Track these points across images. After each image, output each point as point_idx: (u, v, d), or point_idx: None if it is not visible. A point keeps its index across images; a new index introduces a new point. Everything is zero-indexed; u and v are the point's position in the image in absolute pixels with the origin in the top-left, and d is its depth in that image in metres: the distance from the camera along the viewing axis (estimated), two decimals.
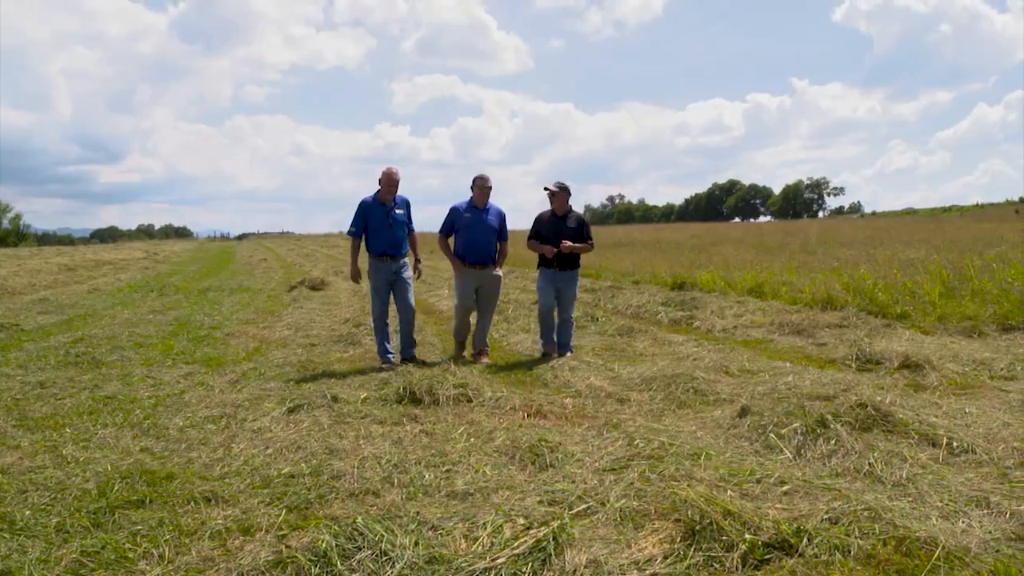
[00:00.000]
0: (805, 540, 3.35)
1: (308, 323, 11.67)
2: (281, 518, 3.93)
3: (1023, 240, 20.03)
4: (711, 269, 16.32)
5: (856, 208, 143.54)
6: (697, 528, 3.47)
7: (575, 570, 3.18)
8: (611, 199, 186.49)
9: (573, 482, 4.28)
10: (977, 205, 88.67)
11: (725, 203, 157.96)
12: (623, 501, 3.93)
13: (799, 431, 4.91)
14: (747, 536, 3.37)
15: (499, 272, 8.62)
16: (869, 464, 4.40)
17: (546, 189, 8.49)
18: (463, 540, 3.47)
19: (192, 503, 4.18)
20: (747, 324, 10.45)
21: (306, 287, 17.03)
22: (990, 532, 3.51)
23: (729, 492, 3.95)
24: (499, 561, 3.24)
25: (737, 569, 3.24)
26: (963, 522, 3.63)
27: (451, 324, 11.06)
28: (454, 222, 8.43)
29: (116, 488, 4.39)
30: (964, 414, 5.39)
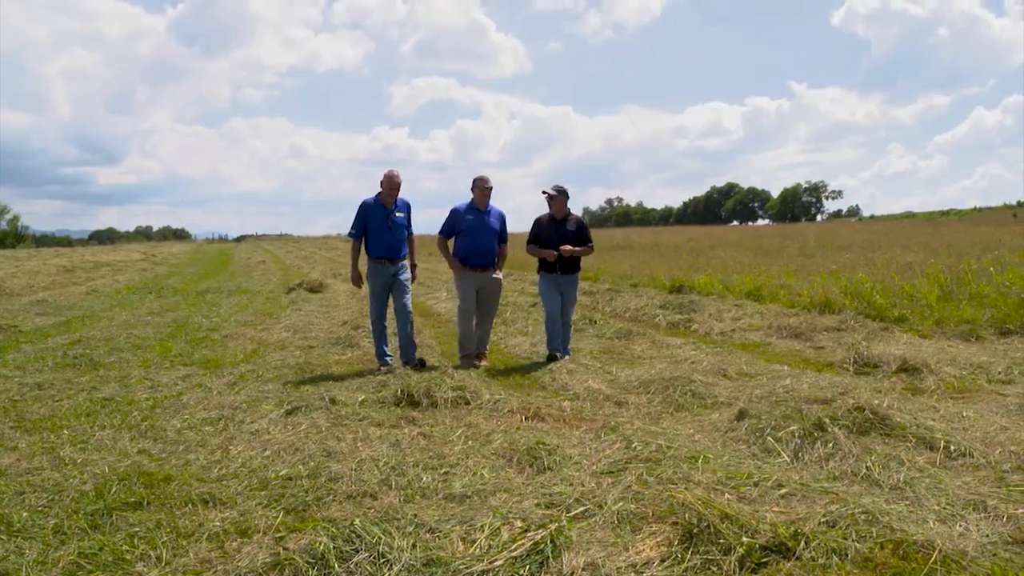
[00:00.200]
0: (802, 543, 3.35)
1: (306, 325, 11.67)
2: (279, 520, 3.93)
3: (1021, 244, 20.06)
4: (709, 272, 16.33)
5: (854, 212, 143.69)
6: (695, 531, 3.47)
7: (572, 573, 3.18)
8: (609, 202, 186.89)
9: (571, 485, 4.28)
10: (975, 209, 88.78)
11: (723, 206, 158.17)
12: (621, 504, 3.93)
13: (797, 434, 4.91)
14: (744, 539, 3.37)
15: (500, 275, 8.55)
16: (866, 467, 4.40)
17: (544, 193, 8.44)
18: (461, 542, 3.47)
19: (190, 505, 4.18)
20: (745, 327, 10.45)
21: (304, 289, 17.03)
22: (987, 536, 3.52)
23: (727, 495, 3.95)
24: (497, 564, 3.24)
25: (735, 572, 3.23)
26: (960, 526, 3.63)
27: (449, 327, 11.07)
28: (455, 224, 8.34)
29: (114, 490, 4.39)
30: (961, 418, 5.39)
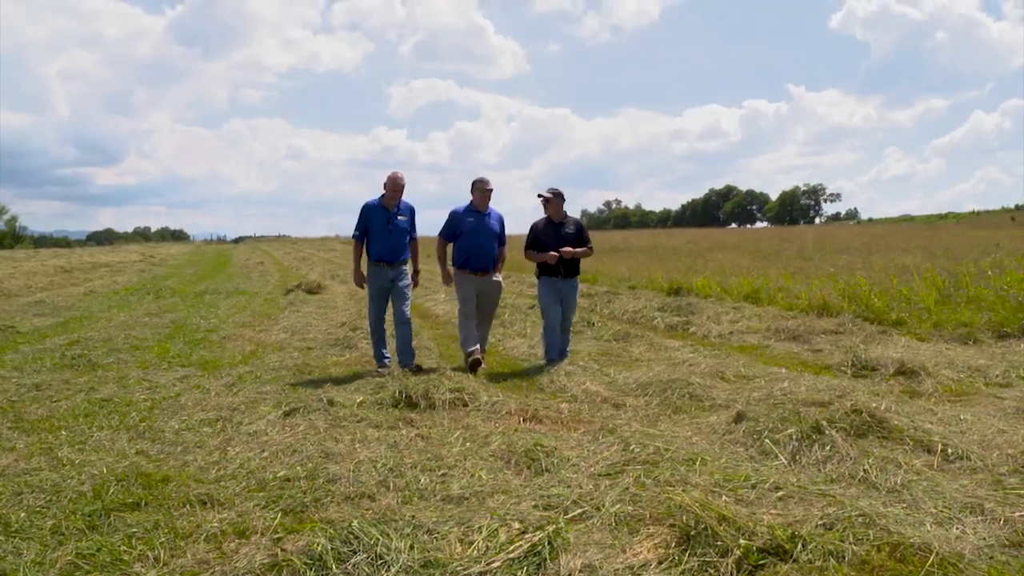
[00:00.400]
0: (800, 546, 3.35)
1: (304, 327, 11.67)
2: (276, 521, 3.94)
3: (1018, 247, 20.08)
4: (707, 275, 16.34)
5: (852, 214, 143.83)
6: (692, 533, 3.47)
7: (570, 574, 3.19)
8: (608, 204, 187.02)
9: (568, 487, 4.29)
10: (973, 212, 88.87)
11: (722, 209, 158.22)
12: (618, 506, 3.93)
13: (794, 437, 4.92)
14: (742, 541, 3.37)
15: (500, 278, 8.47)
16: (864, 470, 4.40)
17: (540, 196, 8.35)
18: (458, 544, 3.47)
19: (187, 506, 4.18)
20: (743, 330, 10.46)
21: (302, 291, 17.03)
22: (984, 539, 3.52)
23: (724, 497, 3.95)
24: (494, 565, 3.24)
25: (732, 574, 3.23)
26: (957, 528, 3.64)
27: (447, 328, 11.08)
28: (456, 226, 8.23)
29: (111, 491, 4.39)
30: (959, 421, 5.40)
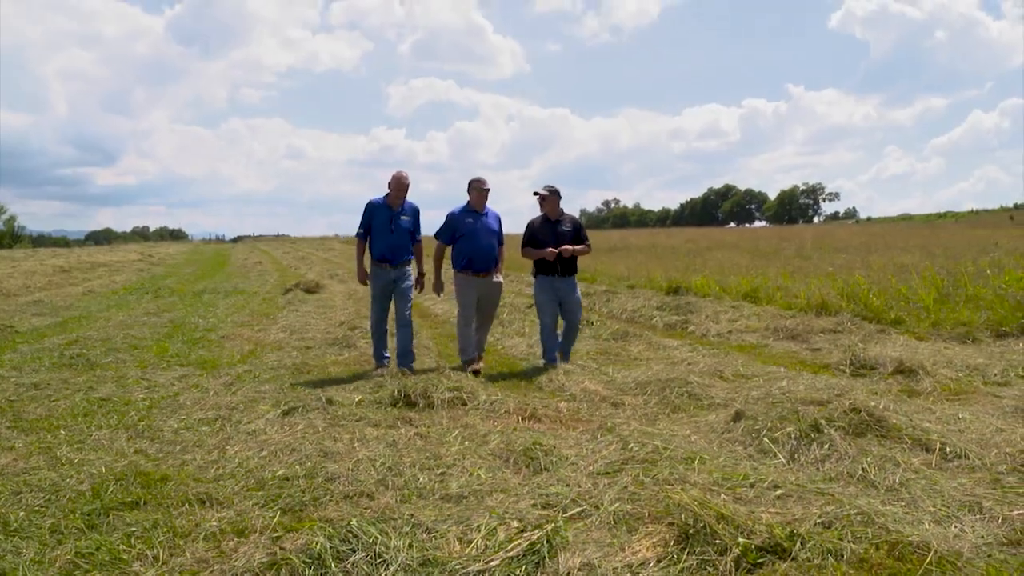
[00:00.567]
0: (798, 544, 3.36)
1: (303, 326, 11.67)
2: (275, 520, 3.94)
3: (1017, 247, 20.09)
4: (706, 274, 16.34)
5: (851, 214, 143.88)
6: (691, 532, 3.48)
7: (568, 573, 3.19)
8: (607, 203, 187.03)
9: (567, 485, 4.29)
10: (972, 211, 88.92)
11: (721, 208, 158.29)
12: (617, 504, 3.93)
13: (793, 436, 4.92)
14: (740, 540, 3.38)
15: (500, 279, 8.35)
16: (862, 469, 4.41)
17: (536, 194, 8.23)
18: (457, 543, 3.47)
19: (186, 505, 4.18)
20: (742, 329, 10.46)
21: (301, 290, 17.02)
22: (982, 537, 3.53)
23: (723, 496, 3.95)
24: (493, 564, 3.25)
25: (730, 573, 3.24)
26: (955, 527, 3.64)
27: (446, 328, 11.08)
28: (455, 229, 8.07)
29: (110, 490, 4.39)
30: (957, 420, 5.41)
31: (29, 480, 4.60)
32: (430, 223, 8.24)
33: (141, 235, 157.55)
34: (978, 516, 3.77)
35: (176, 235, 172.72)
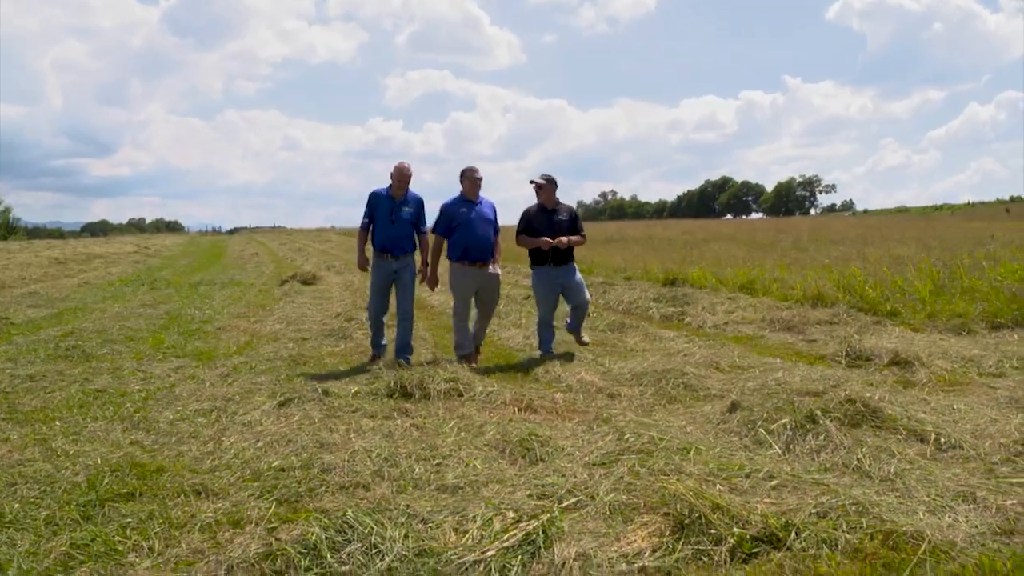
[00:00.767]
0: (793, 534, 3.37)
1: (299, 317, 11.66)
2: (271, 511, 3.94)
3: (1013, 239, 20.12)
4: (703, 265, 16.34)
5: (848, 206, 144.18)
6: (686, 522, 3.49)
7: (564, 563, 3.19)
8: (604, 195, 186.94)
9: (563, 476, 4.30)
10: (968, 204, 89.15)
11: (717, 200, 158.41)
12: (613, 495, 3.94)
13: (788, 426, 4.93)
14: (736, 530, 3.39)
15: (498, 270, 8.23)
16: (857, 459, 4.42)
17: (532, 182, 8.19)
18: (453, 533, 3.48)
19: (182, 496, 4.18)
20: (738, 320, 10.47)
21: (297, 281, 16.99)
22: (976, 527, 3.54)
23: (718, 486, 3.96)
24: (489, 554, 3.25)
25: (725, 562, 3.25)
26: (949, 517, 3.65)
27: (442, 319, 11.07)
28: (451, 219, 7.95)
29: (106, 481, 4.39)
30: (952, 410, 5.41)
31: (24, 472, 4.59)
32: (429, 215, 8.15)
33: (137, 227, 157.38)
34: (972, 506, 3.78)
35: (172, 227, 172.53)
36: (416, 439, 5.11)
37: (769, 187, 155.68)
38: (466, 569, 3.19)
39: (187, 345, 9.28)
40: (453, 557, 3.24)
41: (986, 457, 4.50)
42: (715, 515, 3.47)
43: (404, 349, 8.02)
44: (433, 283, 8.20)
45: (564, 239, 8.01)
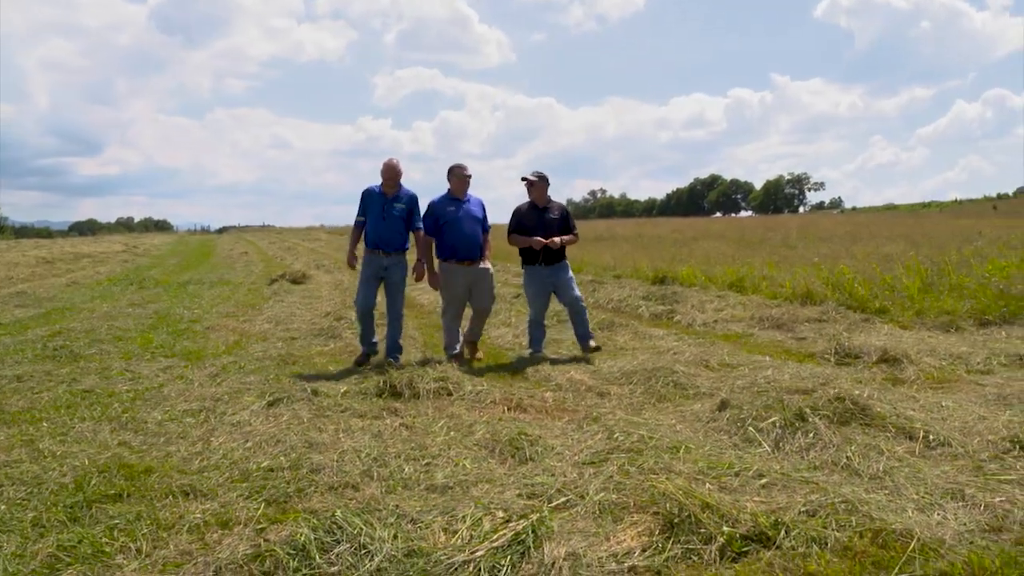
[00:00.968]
0: (783, 532, 3.37)
1: (288, 316, 11.62)
2: (260, 511, 3.92)
3: (1000, 236, 20.22)
4: (692, 263, 16.36)
5: (837, 203, 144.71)
6: (676, 521, 3.49)
7: (554, 563, 3.19)
8: (593, 193, 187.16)
9: (553, 475, 4.29)
10: (956, 201, 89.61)
11: (706, 198, 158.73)
12: (602, 494, 3.94)
13: (778, 424, 4.94)
14: (725, 528, 3.39)
15: (489, 266, 8.14)
16: (847, 457, 4.43)
17: (524, 179, 8.12)
18: (442, 533, 3.47)
19: (170, 497, 4.16)
20: (727, 318, 10.48)
21: (287, 280, 16.95)
22: (964, 524, 3.55)
23: (708, 485, 3.96)
24: (478, 554, 3.24)
25: (715, 561, 3.25)
26: (938, 514, 3.66)
27: (432, 318, 11.05)
28: (437, 218, 7.90)
29: (93, 482, 4.36)
30: (941, 408, 5.43)
31: (11, 473, 4.56)
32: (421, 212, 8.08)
33: (125, 226, 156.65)
34: (961, 503, 3.80)
35: (161, 226, 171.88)
36: (405, 439, 5.10)
37: (758, 185, 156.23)
38: (455, 569, 3.18)
39: (176, 345, 9.24)
40: (442, 557, 3.23)
41: (974, 454, 4.52)
42: (705, 514, 3.47)
43: (394, 349, 7.98)
44: (434, 282, 8.10)
45: (557, 239, 7.98)
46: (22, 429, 5.57)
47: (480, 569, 3.17)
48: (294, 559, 3.26)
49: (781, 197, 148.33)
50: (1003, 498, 3.82)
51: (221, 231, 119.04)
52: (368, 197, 7.91)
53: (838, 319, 9.80)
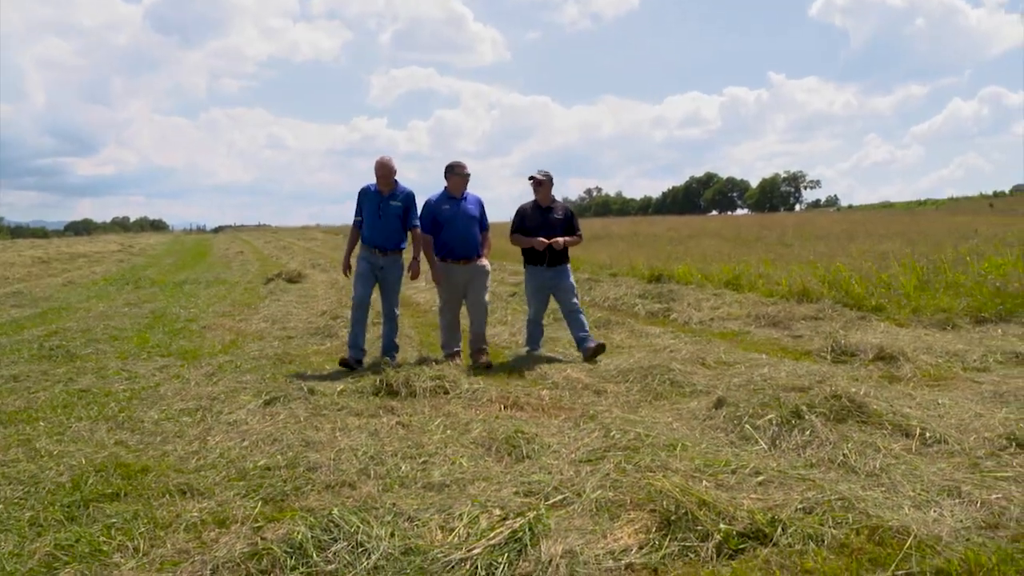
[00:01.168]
0: (779, 530, 3.38)
1: (285, 316, 11.61)
2: (257, 510, 3.92)
3: (996, 233, 20.25)
4: (688, 262, 16.36)
5: (832, 201, 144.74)
6: (672, 518, 3.49)
7: (551, 560, 3.19)
8: (589, 192, 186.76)
9: (549, 473, 4.30)
10: (952, 198, 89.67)
11: (702, 196, 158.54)
12: (599, 492, 3.94)
13: (774, 422, 4.94)
14: (722, 526, 3.39)
15: (486, 263, 8.05)
16: (843, 454, 4.43)
17: (531, 178, 8.05)
18: (439, 531, 3.47)
19: (167, 496, 4.15)
20: (724, 316, 10.49)
21: (283, 280, 16.93)
22: (961, 521, 3.55)
23: (704, 482, 3.97)
24: (475, 552, 3.24)
25: (712, 559, 3.26)
26: (935, 511, 3.67)
27: (428, 317, 11.06)
28: (434, 217, 7.85)
29: (90, 481, 4.35)
30: (937, 405, 5.44)
31: (8, 472, 4.56)
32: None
33: (121, 225, 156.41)
34: (957, 500, 3.80)
35: (157, 225, 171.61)
36: (402, 437, 5.10)
37: (754, 183, 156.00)
38: (452, 567, 3.18)
39: (172, 344, 9.23)
40: (439, 555, 3.24)
41: (971, 452, 4.53)
42: (701, 511, 3.48)
43: (389, 348, 7.94)
44: (437, 278, 7.99)
45: (560, 240, 7.93)
46: (19, 429, 5.56)
47: (477, 567, 3.17)
48: (291, 557, 3.26)
49: (777, 195, 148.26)
50: (999, 495, 3.83)
51: (217, 231, 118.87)
52: (364, 196, 7.85)
53: (834, 317, 9.80)
